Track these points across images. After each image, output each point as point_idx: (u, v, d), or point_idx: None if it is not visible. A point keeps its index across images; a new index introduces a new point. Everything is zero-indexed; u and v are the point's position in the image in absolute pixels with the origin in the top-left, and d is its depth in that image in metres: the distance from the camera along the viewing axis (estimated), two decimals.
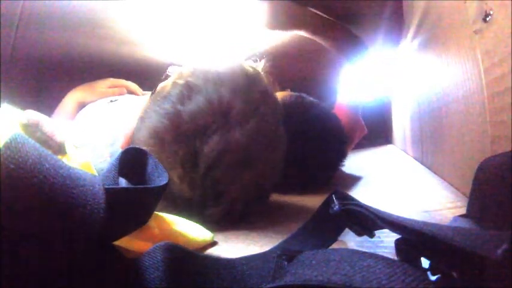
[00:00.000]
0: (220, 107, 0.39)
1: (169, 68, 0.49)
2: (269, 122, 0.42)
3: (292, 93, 0.69)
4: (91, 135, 0.50)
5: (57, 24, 0.61)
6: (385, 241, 0.31)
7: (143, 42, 0.73)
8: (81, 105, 0.62)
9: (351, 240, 0.32)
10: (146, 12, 0.65)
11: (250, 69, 0.45)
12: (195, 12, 0.67)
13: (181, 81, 0.41)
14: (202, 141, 0.38)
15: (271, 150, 0.42)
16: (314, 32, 0.70)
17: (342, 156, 0.65)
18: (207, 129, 0.38)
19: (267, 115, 0.42)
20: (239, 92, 0.40)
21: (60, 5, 0.58)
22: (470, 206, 0.26)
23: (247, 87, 0.41)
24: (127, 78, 0.69)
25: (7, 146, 0.16)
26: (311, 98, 0.66)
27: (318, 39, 0.71)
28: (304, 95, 0.66)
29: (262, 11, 0.68)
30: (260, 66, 0.48)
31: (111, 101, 0.59)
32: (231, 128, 0.39)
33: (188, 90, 0.40)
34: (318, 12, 0.69)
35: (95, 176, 0.22)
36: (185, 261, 0.22)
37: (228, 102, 0.39)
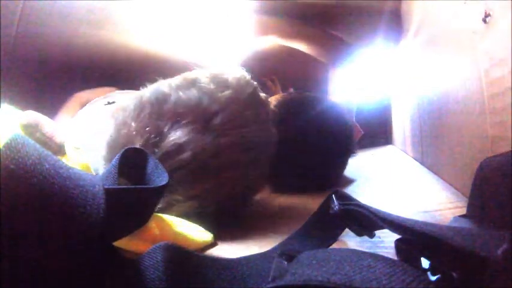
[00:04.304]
0: (205, 110, 0.39)
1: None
2: (248, 144, 0.41)
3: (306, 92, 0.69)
4: (89, 136, 0.50)
5: (57, 24, 0.61)
6: (385, 241, 0.31)
7: (143, 42, 0.73)
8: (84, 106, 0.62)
9: (351, 240, 0.32)
10: (146, 13, 0.65)
11: (259, 93, 0.45)
12: (195, 15, 0.67)
13: (191, 76, 0.42)
14: (170, 128, 0.38)
15: (241, 167, 0.41)
16: (285, 37, 0.72)
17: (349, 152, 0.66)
18: (181, 119, 0.38)
19: (249, 138, 0.41)
20: (232, 106, 0.40)
21: (60, 5, 0.58)
22: (470, 206, 0.26)
23: (244, 105, 0.41)
24: (127, 78, 0.69)
25: (7, 146, 0.16)
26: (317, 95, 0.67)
27: (291, 45, 0.73)
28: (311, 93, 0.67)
29: (236, 22, 0.69)
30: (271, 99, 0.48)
31: (109, 103, 0.60)
32: (205, 132, 0.38)
33: (191, 83, 0.41)
34: (289, 19, 0.71)
35: (94, 176, 0.22)
36: (185, 261, 0.22)
37: (216, 110, 0.39)
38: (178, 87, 0.40)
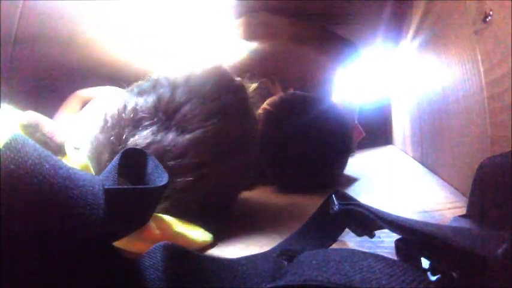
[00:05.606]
0: (166, 108, 0.38)
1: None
2: (217, 137, 0.39)
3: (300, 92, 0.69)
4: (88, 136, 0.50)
5: (57, 24, 0.62)
6: (385, 241, 0.31)
7: (143, 42, 0.73)
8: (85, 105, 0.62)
9: (351, 240, 0.32)
10: (146, 13, 0.65)
11: (229, 81, 0.43)
12: (194, 15, 0.67)
13: (153, 77, 0.42)
14: (128, 134, 0.37)
15: (214, 163, 0.39)
16: (291, 40, 0.71)
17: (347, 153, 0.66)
18: (140, 123, 0.37)
19: (217, 131, 0.39)
20: (194, 97, 0.39)
21: (60, 5, 0.58)
22: (470, 206, 0.26)
23: (209, 96, 0.40)
24: (127, 79, 0.69)
25: (7, 146, 0.16)
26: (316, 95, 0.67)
27: (298, 46, 0.72)
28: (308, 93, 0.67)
29: (238, 26, 0.69)
30: (252, 86, 0.46)
31: None
32: (167, 131, 0.37)
33: (153, 84, 0.41)
34: (295, 20, 0.70)
35: (94, 176, 0.22)
36: (185, 261, 0.22)
37: (178, 105, 0.38)
38: (140, 92, 0.40)
